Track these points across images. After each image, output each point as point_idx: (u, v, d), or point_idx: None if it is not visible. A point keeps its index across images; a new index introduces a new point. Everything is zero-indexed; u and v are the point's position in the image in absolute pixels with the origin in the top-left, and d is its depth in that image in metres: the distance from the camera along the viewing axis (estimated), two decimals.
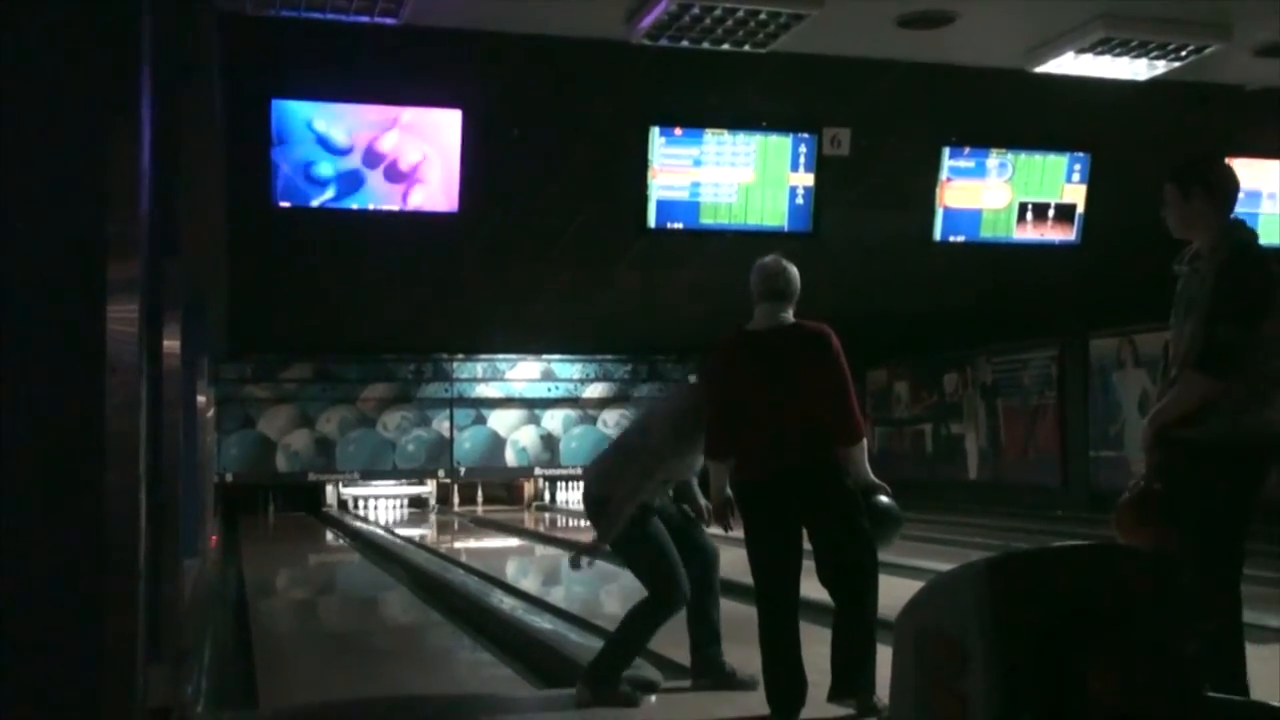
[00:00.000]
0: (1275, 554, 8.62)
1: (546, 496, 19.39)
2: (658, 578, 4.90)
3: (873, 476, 4.60)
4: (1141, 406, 13.93)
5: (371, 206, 7.58)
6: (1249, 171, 9.20)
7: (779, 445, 4.47)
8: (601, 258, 10.62)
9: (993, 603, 2.73)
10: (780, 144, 8.26)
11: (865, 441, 4.67)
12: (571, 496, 19.38)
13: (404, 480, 18.73)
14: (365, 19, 5.75)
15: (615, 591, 8.48)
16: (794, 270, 4.65)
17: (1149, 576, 2.93)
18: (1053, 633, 2.73)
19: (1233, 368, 3.74)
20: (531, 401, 18.75)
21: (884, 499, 4.56)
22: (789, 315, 4.62)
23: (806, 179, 8.33)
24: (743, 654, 5.36)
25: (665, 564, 4.91)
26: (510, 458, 18.66)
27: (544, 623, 7.06)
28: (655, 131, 7.99)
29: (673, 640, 5.31)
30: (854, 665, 4.43)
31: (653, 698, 4.95)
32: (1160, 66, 6.80)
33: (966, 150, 8.76)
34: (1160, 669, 2.82)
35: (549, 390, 18.81)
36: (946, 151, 8.71)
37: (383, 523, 16.66)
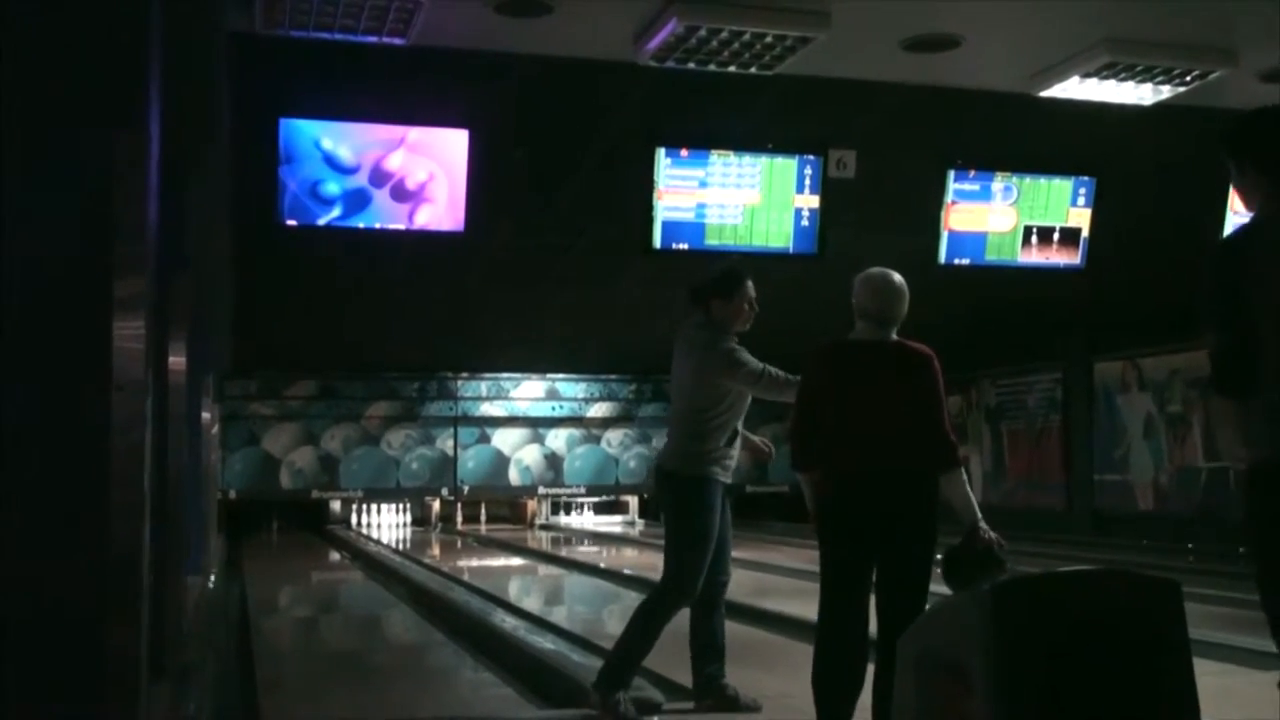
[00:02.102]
0: None
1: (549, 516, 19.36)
2: (689, 558, 4.88)
3: (979, 514, 4.11)
4: (1146, 430, 13.92)
5: (378, 225, 7.60)
6: None
7: (864, 458, 4.15)
8: (607, 278, 10.64)
9: (997, 627, 2.73)
10: (786, 166, 8.27)
11: (963, 471, 4.24)
12: (574, 518, 19.38)
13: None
14: (373, 39, 5.78)
15: (618, 612, 8.45)
16: (906, 291, 4.42)
17: (1152, 601, 2.92)
18: (1056, 657, 2.72)
19: (1230, 379, 3.06)
20: (536, 420, 18.74)
21: (989, 544, 4.02)
22: (892, 334, 4.37)
23: (812, 201, 8.34)
24: (749, 676, 5.35)
25: (702, 549, 4.90)
26: (514, 477, 18.64)
27: (546, 643, 7.04)
28: (661, 153, 8.01)
29: (675, 661, 5.30)
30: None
31: (655, 719, 4.93)
32: (1165, 91, 6.82)
33: (972, 173, 8.77)
34: (1161, 691, 2.81)
35: (553, 409, 18.80)
36: (952, 174, 8.73)
37: (387, 541, 16.63)
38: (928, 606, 3.96)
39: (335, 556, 15.23)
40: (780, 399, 4.92)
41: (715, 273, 5.25)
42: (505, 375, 18.50)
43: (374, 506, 18.71)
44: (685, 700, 5.18)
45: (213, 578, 10.75)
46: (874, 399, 4.20)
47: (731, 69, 6.29)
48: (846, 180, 8.37)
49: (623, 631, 5.01)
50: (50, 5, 2.54)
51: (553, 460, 18.76)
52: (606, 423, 18.89)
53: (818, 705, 4.11)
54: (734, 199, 8.20)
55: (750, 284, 5.13)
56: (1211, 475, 13.00)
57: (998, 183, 8.84)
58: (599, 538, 16.98)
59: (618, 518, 19.48)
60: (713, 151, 8.12)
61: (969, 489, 4.21)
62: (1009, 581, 3.00)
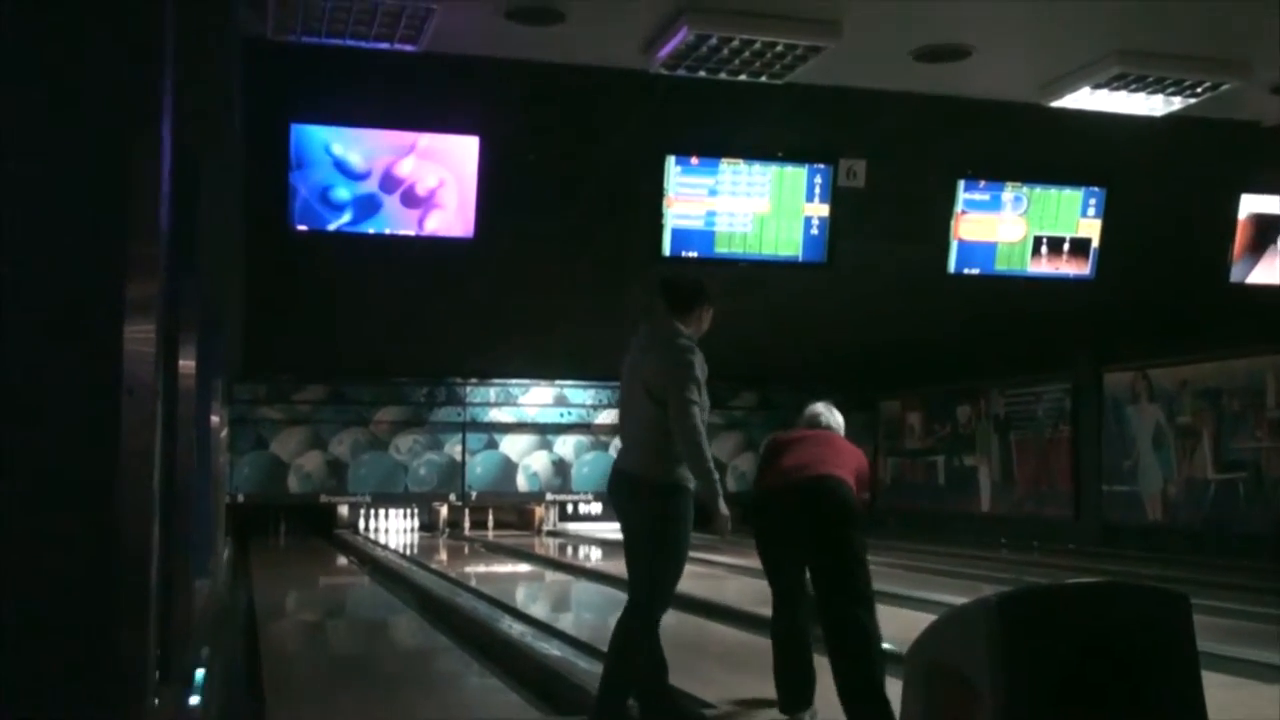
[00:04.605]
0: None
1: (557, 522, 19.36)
2: (666, 575, 4.73)
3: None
4: (1156, 441, 13.88)
5: (388, 231, 7.62)
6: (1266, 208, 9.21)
7: (796, 469, 4.89)
8: (616, 285, 10.65)
9: (1004, 639, 2.72)
10: (796, 175, 8.28)
11: None
12: (583, 525, 19.36)
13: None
14: (385, 45, 5.80)
15: None
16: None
17: (1161, 614, 2.92)
18: (1064, 669, 2.72)
19: None
20: (544, 426, 18.74)
21: None
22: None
23: (822, 209, 8.35)
24: (748, 683, 5.34)
25: (680, 564, 4.76)
26: (522, 482, 18.65)
27: (553, 649, 7.04)
28: (671, 160, 8.02)
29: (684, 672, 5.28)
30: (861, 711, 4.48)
31: None
32: (1177, 102, 6.81)
33: (982, 183, 8.77)
34: (1168, 704, 2.81)
35: (561, 415, 18.81)
36: (962, 184, 8.73)
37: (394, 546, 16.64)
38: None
39: (342, 561, 15.24)
40: (690, 446, 4.72)
41: (697, 280, 5.15)
42: (514, 381, 18.52)
43: (382, 511, 18.72)
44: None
45: (221, 581, 10.76)
46: (812, 447, 5.06)
47: (742, 77, 6.30)
48: (856, 189, 8.37)
49: (605, 665, 4.79)
50: (65, 7, 2.55)
51: (560, 467, 18.77)
52: (615, 429, 18.87)
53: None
54: (744, 207, 8.21)
55: None
56: (1220, 487, 12.97)
57: (1008, 193, 8.84)
58: (607, 544, 16.99)
59: None
60: (723, 160, 8.13)
61: None
62: (1017, 593, 2.99)
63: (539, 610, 10.08)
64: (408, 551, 15.80)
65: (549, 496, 18.84)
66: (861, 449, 5.20)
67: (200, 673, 5.69)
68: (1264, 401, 12.53)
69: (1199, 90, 6.62)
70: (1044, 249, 8.98)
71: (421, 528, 18.91)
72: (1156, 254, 9.68)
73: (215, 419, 11.27)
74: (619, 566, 5.30)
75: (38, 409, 2.45)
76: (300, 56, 6.19)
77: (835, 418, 5.32)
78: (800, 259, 8.43)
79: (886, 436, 19.00)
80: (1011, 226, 8.89)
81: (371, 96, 7.15)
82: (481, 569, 14.18)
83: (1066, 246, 9.02)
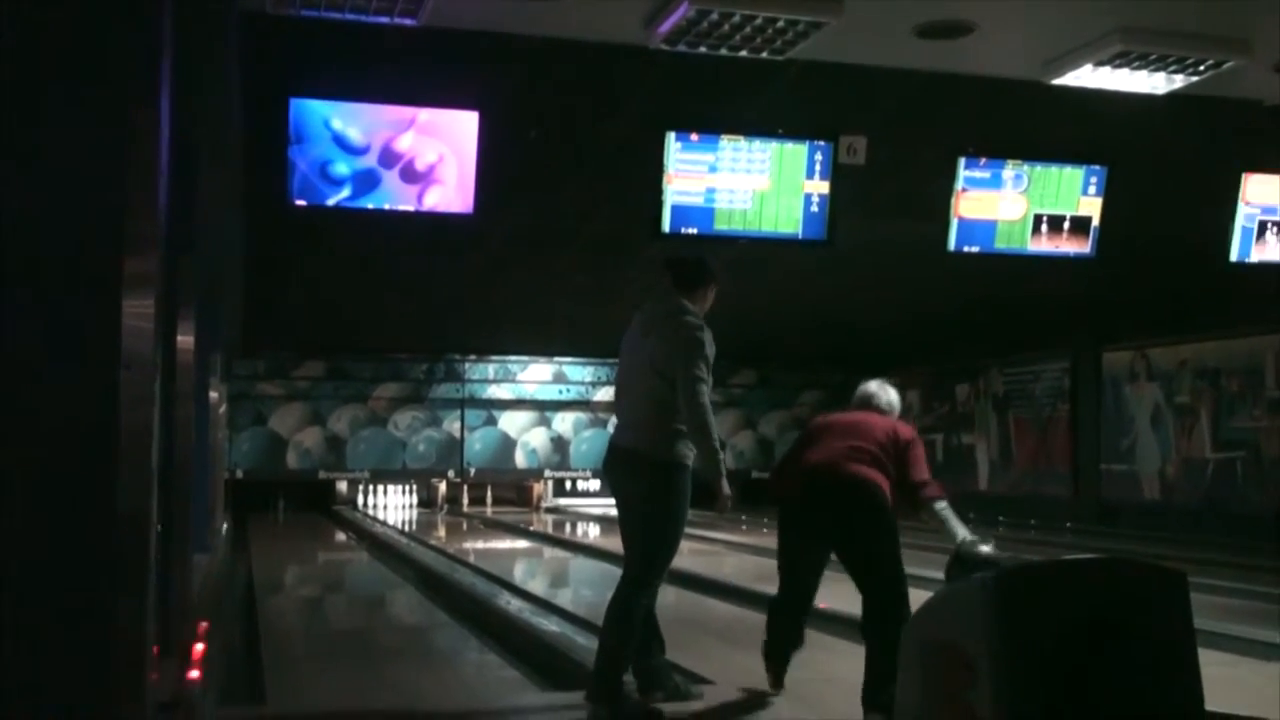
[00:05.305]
0: (1277, 569, 8.62)
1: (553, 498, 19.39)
2: (661, 553, 4.78)
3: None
4: (1154, 420, 13.90)
5: (387, 206, 7.59)
6: (1266, 188, 9.18)
7: (814, 468, 4.78)
8: (615, 262, 10.64)
9: (1001, 615, 2.73)
10: (796, 151, 8.25)
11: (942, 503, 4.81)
12: (581, 501, 19.40)
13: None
14: (385, 19, 5.77)
15: None
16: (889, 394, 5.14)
17: (1158, 591, 2.93)
18: (1061, 646, 2.73)
19: None
20: (542, 403, 18.75)
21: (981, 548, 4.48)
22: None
23: (822, 187, 8.31)
24: (748, 660, 5.36)
25: (675, 542, 4.80)
26: (520, 459, 18.67)
27: (551, 625, 7.06)
28: (671, 136, 7.98)
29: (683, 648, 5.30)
30: (876, 684, 4.51)
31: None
32: (1179, 81, 6.79)
33: (983, 161, 8.74)
34: (1165, 681, 2.82)
35: (560, 392, 18.82)
36: (962, 162, 8.69)
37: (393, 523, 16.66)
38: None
39: (341, 537, 15.28)
40: (698, 424, 4.75)
41: (701, 259, 5.17)
42: (513, 358, 18.52)
43: (380, 487, 18.76)
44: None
45: (219, 556, 10.78)
46: (844, 435, 4.88)
47: (743, 54, 6.27)
48: (857, 166, 8.34)
49: (601, 637, 4.85)
50: None
51: (559, 443, 18.79)
52: (613, 407, 18.90)
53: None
54: (744, 184, 8.18)
55: None
56: (1218, 466, 12.99)
57: (1008, 170, 8.81)
58: (604, 520, 17.02)
59: None
60: (723, 136, 8.09)
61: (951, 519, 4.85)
62: (1013, 570, 3.00)
63: (537, 586, 10.11)
64: (406, 527, 15.84)
65: (547, 473, 18.87)
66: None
67: (199, 647, 5.71)
68: (1263, 381, 12.53)
69: (1201, 69, 6.59)
70: (1044, 227, 8.95)
71: (420, 504, 18.95)
72: (1157, 233, 9.66)
73: (214, 394, 11.27)
74: (616, 543, 5.29)
75: (37, 384, 2.45)
76: (299, 31, 6.15)
77: (889, 396, 5.10)
78: (800, 236, 8.40)
79: None
80: (1012, 204, 8.86)
81: (371, 71, 7.11)
82: (480, 545, 14.21)
83: (1067, 225, 8.99)
